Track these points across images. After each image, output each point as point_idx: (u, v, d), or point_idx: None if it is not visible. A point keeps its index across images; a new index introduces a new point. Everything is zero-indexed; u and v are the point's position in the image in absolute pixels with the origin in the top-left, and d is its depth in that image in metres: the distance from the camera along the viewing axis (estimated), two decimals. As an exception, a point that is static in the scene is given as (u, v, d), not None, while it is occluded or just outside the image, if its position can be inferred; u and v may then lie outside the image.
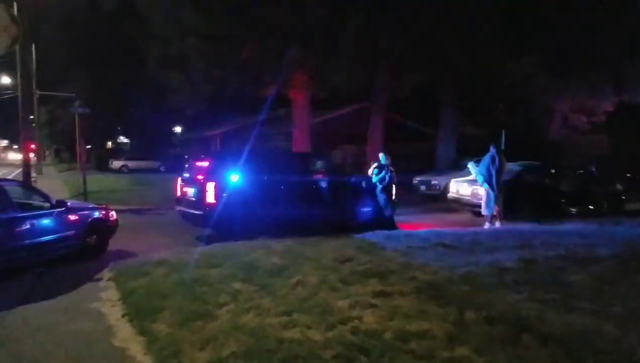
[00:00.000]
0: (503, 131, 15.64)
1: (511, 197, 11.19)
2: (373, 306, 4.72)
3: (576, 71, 18.23)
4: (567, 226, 10.50)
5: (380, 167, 11.22)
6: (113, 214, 8.86)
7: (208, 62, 18.01)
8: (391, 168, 11.27)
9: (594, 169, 14.57)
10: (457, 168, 17.03)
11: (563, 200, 12.76)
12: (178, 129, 45.90)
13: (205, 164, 10.17)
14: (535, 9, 16.74)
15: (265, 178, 9.69)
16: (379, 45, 17.80)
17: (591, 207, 12.94)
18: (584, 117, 22.24)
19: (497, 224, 10.77)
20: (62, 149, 52.85)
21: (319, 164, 11.35)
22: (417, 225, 11.65)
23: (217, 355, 3.82)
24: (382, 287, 5.27)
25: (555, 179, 13.28)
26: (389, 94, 21.63)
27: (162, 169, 35.86)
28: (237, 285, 5.58)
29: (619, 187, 14.21)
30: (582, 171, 14.16)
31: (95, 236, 8.29)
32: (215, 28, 17.18)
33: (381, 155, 11.51)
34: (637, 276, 5.78)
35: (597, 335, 3.99)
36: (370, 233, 8.95)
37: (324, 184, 10.59)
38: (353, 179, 11.77)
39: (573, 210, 12.63)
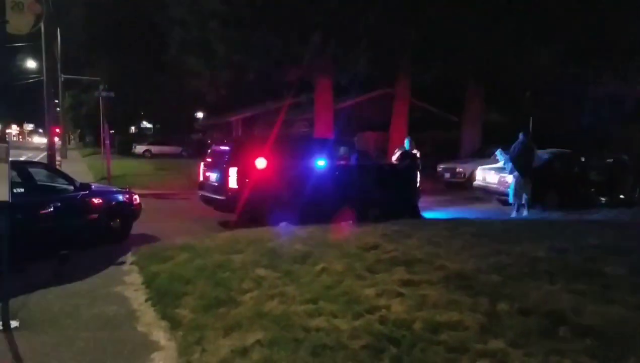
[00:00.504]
0: (531, 118, 15.28)
1: (540, 185, 10.97)
2: (400, 295, 4.56)
3: (607, 59, 17.62)
4: (597, 215, 10.20)
5: (405, 154, 11.00)
6: (136, 198, 8.87)
7: (229, 46, 17.88)
8: (416, 154, 11.05)
9: (625, 158, 14.13)
10: (482, 155, 16.71)
11: (593, 189, 12.49)
12: (200, 115, 46.06)
13: (227, 149, 10.11)
14: None
15: (288, 163, 9.58)
16: (400, 35, 17.43)
17: (622, 196, 12.62)
18: (614, 106, 21.53)
19: (525, 213, 10.52)
20: (86, 133, 53.58)
21: (342, 149, 11.18)
22: (442, 213, 11.45)
23: (242, 343, 3.72)
24: (409, 276, 5.10)
25: (585, 167, 12.95)
26: (412, 80, 21.24)
27: (184, 154, 36.08)
28: (261, 272, 5.50)
29: None
30: (612, 160, 13.75)
31: (118, 220, 8.30)
32: (236, 13, 17.02)
33: (406, 142, 11.29)
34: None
35: (637, 327, 3.79)
36: (394, 220, 8.77)
37: (346, 170, 10.43)
38: (376, 166, 11.58)
39: (603, 199, 12.36)
